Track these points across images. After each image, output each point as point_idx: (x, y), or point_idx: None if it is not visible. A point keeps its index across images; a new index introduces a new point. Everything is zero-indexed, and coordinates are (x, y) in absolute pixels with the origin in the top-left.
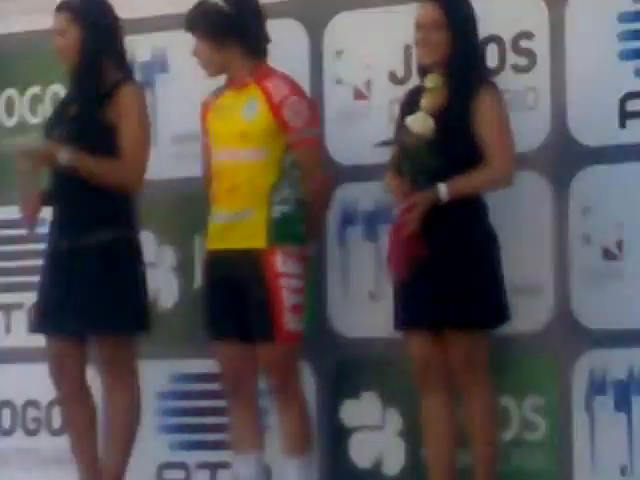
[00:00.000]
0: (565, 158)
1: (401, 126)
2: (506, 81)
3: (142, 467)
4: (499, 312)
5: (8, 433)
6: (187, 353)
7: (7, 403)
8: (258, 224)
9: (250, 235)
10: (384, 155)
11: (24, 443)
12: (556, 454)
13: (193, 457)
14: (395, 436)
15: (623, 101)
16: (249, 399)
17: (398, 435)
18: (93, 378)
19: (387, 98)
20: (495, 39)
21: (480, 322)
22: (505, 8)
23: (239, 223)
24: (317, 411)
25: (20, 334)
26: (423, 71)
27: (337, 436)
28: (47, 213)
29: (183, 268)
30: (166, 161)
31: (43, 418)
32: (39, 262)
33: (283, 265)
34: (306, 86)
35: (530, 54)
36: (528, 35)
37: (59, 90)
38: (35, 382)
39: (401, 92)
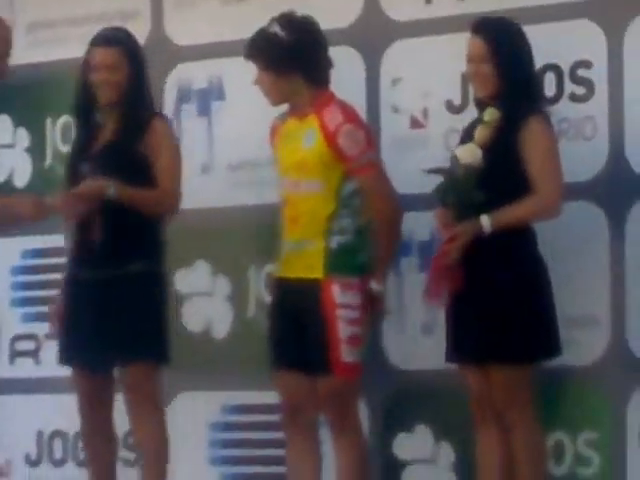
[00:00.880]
0: (622, 188)
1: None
2: (564, 110)
3: None
4: (544, 345)
5: (35, 464)
6: (240, 384)
7: (41, 434)
8: (316, 254)
9: (309, 265)
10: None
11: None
12: None
13: None
14: (447, 470)
15: None
16: (307, 431)
17: (450, 469)
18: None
19: (444, 127)
20: (553, 68)
21: (521, 356)
22: (563, 37)
23: (300, 252)
24: (370, 443)
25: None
26: (478, 103)
27: (390, 469)
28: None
29: (237, 298)
30: (222, 189)
31: (70, 449)
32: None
33: (340, 296)
34: (362, 114)
35: (588, 83)
36: (586, 64)
37: None
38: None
39: (458, 121)
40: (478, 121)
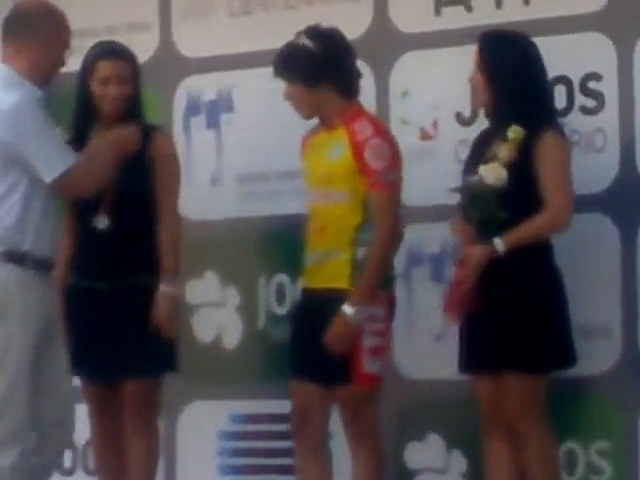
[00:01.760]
0: (634, 200)
1: (472, 171)
2: (574, 123)
3: None
4: (559, 355)
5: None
6: (249, 394)
7: None
8: (343, 265)
9: (335, 275)
10: (450, 196)
11: None
12: None
13: None
14: (459, 479)
15: None
16: (317, 441)
17: (462, 478)
18: None
19: (454, 139)
20: (563, 80)
21: (536, 365)
22: (573, 49)
23: (325, 263)
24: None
25: None
26: (487, 114)
27: (401, 478)
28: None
29: (247, 308)
30: (230, 201)
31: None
32: None
33: (366, 307)
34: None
35: (598, 95)
36: (596, 77)
37: None
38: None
39: (467, 132)
40: (489, 133)
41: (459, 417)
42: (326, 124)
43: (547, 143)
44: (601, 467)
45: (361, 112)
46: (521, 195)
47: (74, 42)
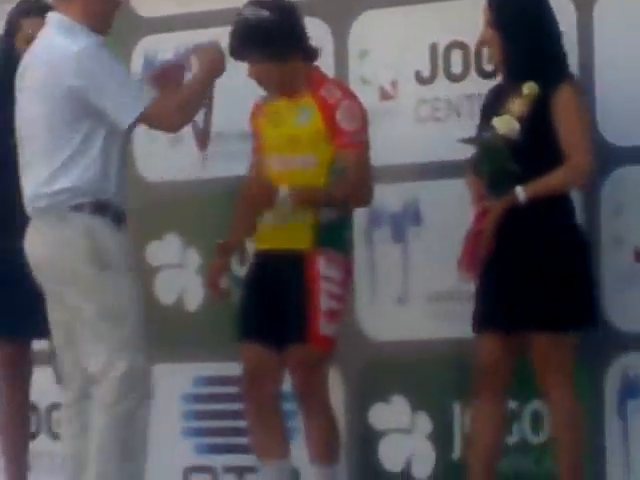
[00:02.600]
0: (596, 159)
1: (484, 125)
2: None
3: (168, 470)
4: (585, 314)
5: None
6: (212, 356)
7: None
8: (305, 227)
9: (296, 237)
10: (409, 155)
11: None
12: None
13: (219, 461)
14: (424, 439)
15: None
16: (269, 403)
17: (427, 438)
18: None
19: (413, 98)
20: None
21: (561, 324)
22: None
23: (287, 225)
24: (346, 414)
25: None
26: (497, 69)
27: (366, 439)
28: None
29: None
30: (192, 162)
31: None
32: None
33: (325, 268)
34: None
35: None
36: None
37: None
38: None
39: (427, 91)
40: (502, 88)
41: (424, 378)
42: (288, 91)
43: (565, 97)
44: None
45: (324, 77)
46: (533, 149)
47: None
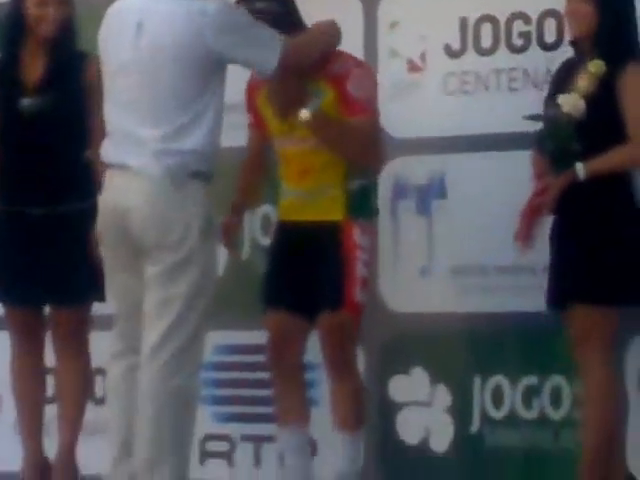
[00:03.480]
0: None
1: (551, 102)
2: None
3: None
4: (620, 289)
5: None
6: (233, 324)
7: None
8: (336, 198)
9: (328, 208)
10: (437, 128)
11: None
12: None
13: (237, 429)
14: (443, 412)
15: None
16: (294, 371)
17: (446, 411)
18: None
19: (442, 71)
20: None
21: (597, 297)
22: None
23: (314, 198)
24: (366, 385)
25: None
26: (573, 44)
27: (385, 411)
28: None
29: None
30: None
31: None
32: None
33: (360, 238)
34: (360, 58)
35: None
36: None
37: None
38: None
39: (456, 65)
40: (573, 64)
41: (445, 351)
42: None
43: (632, 76)
44: None
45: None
46: (598, 129)
47: None
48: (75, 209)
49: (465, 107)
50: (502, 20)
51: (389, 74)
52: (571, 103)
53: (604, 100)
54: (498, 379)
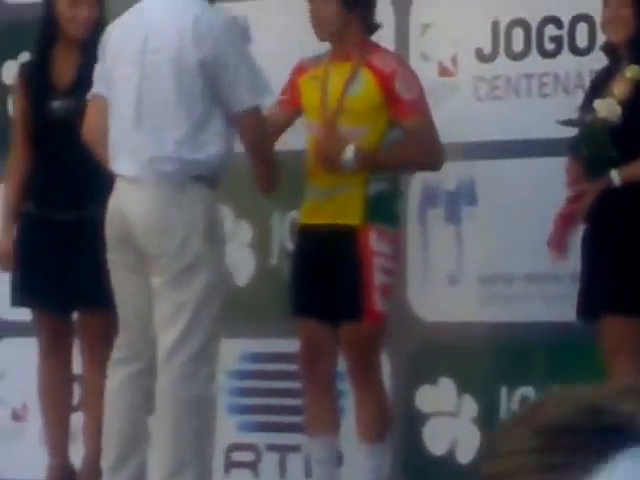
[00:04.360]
0: None
1: (587, 107)
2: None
3: None
4: None
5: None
6: (260, 332)
7: None
8: (354, 200)
9: (345, 211)
10: (467, 133)
11: None
12: None
13: (263, 439)
14: (470, 423)
15: None
16: (326, 380)
17: (473, 422)
18: None
19: (473, 75)
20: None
21: (631, 307)
22: None
23: (333, 199)
24: (392, 395)
25: None
26: (608, 48)
27: (412, 421)
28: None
29: (259, 244)
30: None
31: None
32: None
33: (377, 244)
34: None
35: None
36: None
37: None
38: None
39: (487, 69)
40: (609, 70)
41: (471, 361)
42: (338, 55)
43: None
44: None
45: (377, 46)
46: (634, 134)
47: None
48: (103, 213)
49: (496, 112)
50: (534, 24)
51: (420, 78)
52: (607, 108)
53: (639, 104)
54: (525, 390)
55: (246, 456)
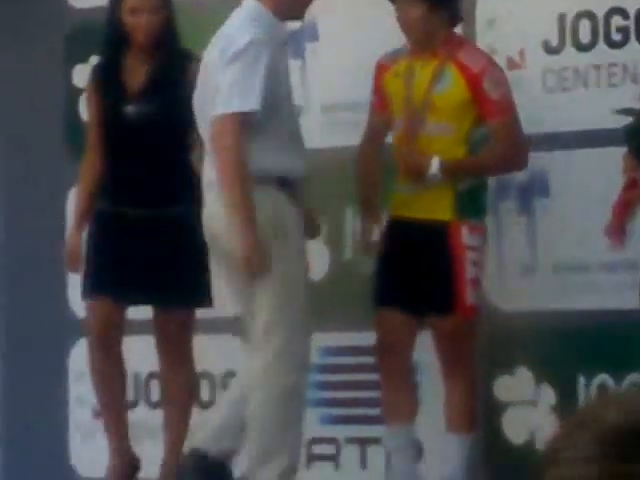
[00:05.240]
0: None
1: None
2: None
3: None
4: None
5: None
6: (338, 326)
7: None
8: (445, 196)
9: (436, 206)
10: (537, 125)
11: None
12: None
13: (343, 432)
14: (548, 412)
15: None
16: (405, 371)
17: (551, 411)
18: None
19: (541, 67)
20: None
21: None
22: None
23: (425, 193)
24: None
25: None
26: None
27: (490, 411)
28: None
29: (334, 240)
30: (316, 130)
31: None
32: None
33: (469, 238)
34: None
35: None
36: None
37: None
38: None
39: (555, 62)
40: None
41: (548, 350)
42: (421, 51)
43: None
44: None
45: (463, 40)
46: None
47: None
48: (179, 213)
49: (565, 103)
50: (600, 15)
51: None
52: None
53: None
54: (603, 377)
55: (327, 449)
